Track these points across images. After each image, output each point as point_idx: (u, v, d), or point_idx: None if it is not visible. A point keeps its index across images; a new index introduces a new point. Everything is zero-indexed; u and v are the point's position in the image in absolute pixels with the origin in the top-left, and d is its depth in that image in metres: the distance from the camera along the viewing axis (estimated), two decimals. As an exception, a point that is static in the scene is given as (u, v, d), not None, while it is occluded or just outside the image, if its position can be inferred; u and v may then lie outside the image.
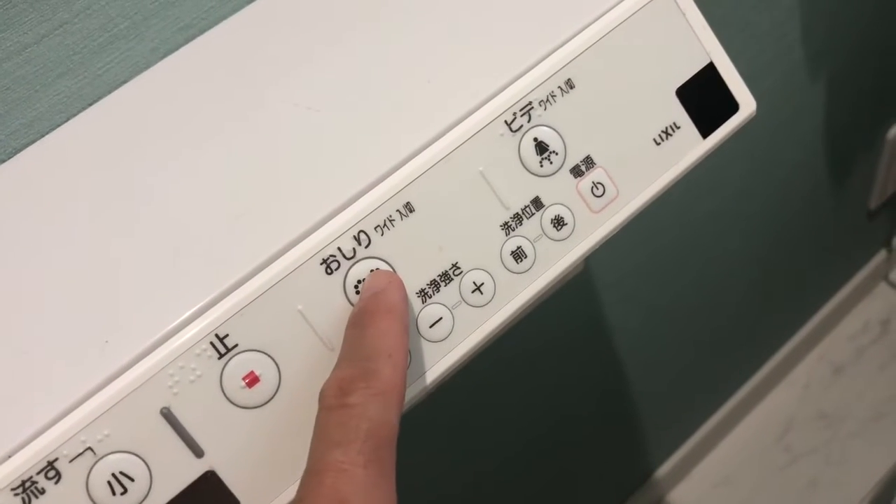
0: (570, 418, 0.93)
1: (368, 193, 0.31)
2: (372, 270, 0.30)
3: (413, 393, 0.31)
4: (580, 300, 0.80)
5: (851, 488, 1.21)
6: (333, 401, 0.26)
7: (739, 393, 1.23)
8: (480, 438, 0.81)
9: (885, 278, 1.38)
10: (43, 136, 0.34)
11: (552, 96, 0.33)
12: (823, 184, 1.06)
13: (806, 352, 1.32)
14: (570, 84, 0.33)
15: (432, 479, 0.78)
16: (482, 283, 0.32)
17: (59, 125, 0.34)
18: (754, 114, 0.37)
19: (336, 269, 0.30)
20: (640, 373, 0.98)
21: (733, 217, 0.93)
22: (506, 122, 0.32)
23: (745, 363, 1.23)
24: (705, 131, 0.35)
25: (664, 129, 0.35)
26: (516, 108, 0.32)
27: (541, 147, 0.33)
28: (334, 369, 0.27)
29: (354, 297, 0.30)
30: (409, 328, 0.30)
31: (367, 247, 0.30)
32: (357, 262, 0.30)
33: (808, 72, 0.85)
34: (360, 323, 0.28)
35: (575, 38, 0.33)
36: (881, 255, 1.34)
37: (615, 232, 0.35)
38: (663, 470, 1.19)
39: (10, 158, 0.34)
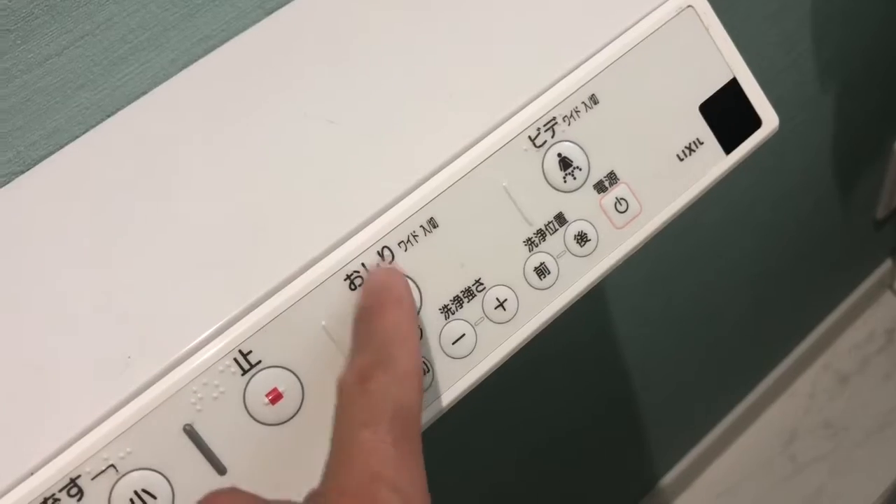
0: (573, 429, 0.93)
1: (392, 209, 0.30)
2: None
3: (436, 410, 0.31)
4: (585, 310, 0.79)
5: (856, 499, 1.21)
6: (355, 387, 0.25)
7: (744, 402, 1.23)
8: (481, 451, 0.81)
9: (891, 287, 1.38)
10: (62, 147, 0.34)
11: (576, 112, 0.33)
12: (831, 194, 1.06)
13: (811, 361, 1.32)
14: (594, 99, 0.33)
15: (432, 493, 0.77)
16: (505, 300, 0.32)
17: (78, 136, 0.34)
18: (777, 129, 0.36)
19: (360, 284, 0.30)
20: (644, 382, 0.97)
21: (740, 225, 0.93)
22: (530, 137, 0.32)
23: (749, 372, 1.23)
24: (728, 147, 0.35)
25: (687, 145, 0.34)
26: (540, 124, 0.32)
27: (564, 162, 0.33)
28: (350, 360, 0.27)
29: None
30: (416, 318, 0.29)
31: (390, 263, 0.30)
32: (380, 278, 0.30)
33: (817, 83, 0.85)
34: (369, 317, 0.28)
35: (599, 54, 0.33)
36: (887, 264, 1.33)
37: (638, 248, 0.34)
38: (667, 479, 1.18)
39: (29, 169, 0.33)
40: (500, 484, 0.88)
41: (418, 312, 0.31)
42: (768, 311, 1.14)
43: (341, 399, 0.26)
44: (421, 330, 0.31)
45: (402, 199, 0.31)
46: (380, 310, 0.28)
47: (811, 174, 0.99)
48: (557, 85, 0.33)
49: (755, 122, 0.36)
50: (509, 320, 0.32)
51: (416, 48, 0.34)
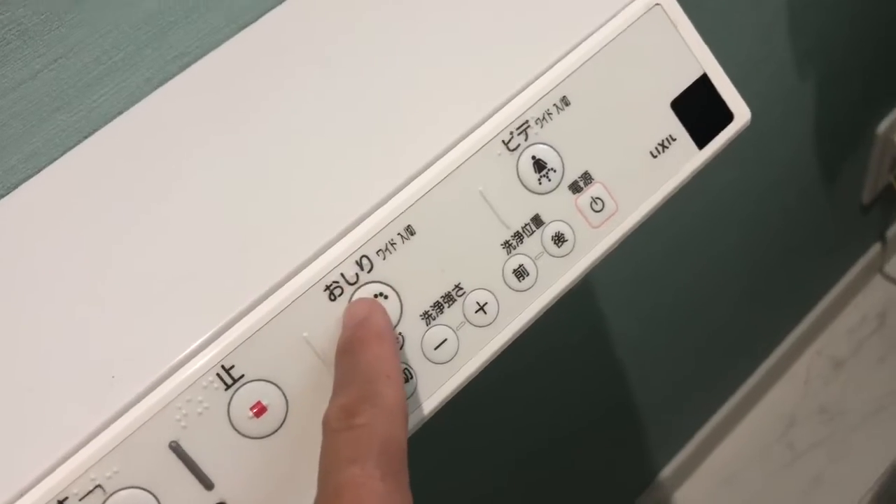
0: (569, 426, 0.93)
1: (369, 218, 0.31)
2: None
3: (421, 416, 0.31)
4: (576, 309, 0.79)
5: (856, 482, 1.21)
6: (340, 423, 0.26)
7: (740, 391, 1.23)
8: (479, 451, 0.81)
9: (881, 271, 1.38)
10: (40, 170, 0.34)
11: (548, 114, 0.33)
12: (816, 180, 1.06)
13: (805, 347, 1.32)
14: (565, 101, 0.33)
15: (430, 497, 0.78)
16: (486, 303, 0.32)
17: (56, 159, 0.34)
18: (749, 123, 0.37)
19: (339, 295, 0.30)
20: (640, 377, 0.98)
21: (727, 217, 0.93)
22: (503, 141, 0.32)
23: (744, 361, 1.24)
24: (701, 142, 0.35)
25: (660, 142, 0.35)
26: (513, 128, 0.32)
27: (539, 165, 0.33)
28: (333, 397, 0.27)
29: None
30: (398, 350, 0.30)
31: (369, 271, 0.30)
32: (360, 286, 0.30)
33: (796, 72, 0.85)
34: (351, 350, 0.28)
35: (569, 56, 0.34)
36: (876, 248, 1.34)
37: (616, 246, 0.35)
38: (667, 471, 1.19)
39: (8, 194, 0.34)
40: (498, 484, 0.88)
41: (399, 321, 0.31)
42: (760, 300, 1.15)
43: (327, 435, 0.26)
44: (403, 337, 0.31)
45: (378, 208, 0.31)
46: (361, 344, 0.28)
47: (795, 163, 0.99)
48: (529, 88, 0.33)
49: (727, 117, 0.36)
50: (490, 323, 0.32)
51: (388, 58, 0.34)
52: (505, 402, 0.79)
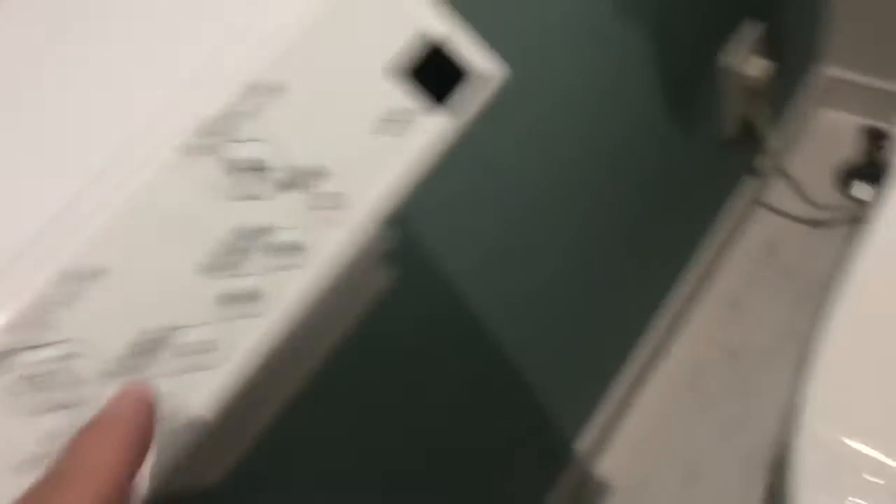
0: (472, 425, 0.90)
1: (37, 264, 0.25)
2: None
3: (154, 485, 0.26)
4: (443, 311, 0.75)
5: (771, 418, 1.21)
6: None
7: (642, 350, 1.22)
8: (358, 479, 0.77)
9: (759, 202, 1.38)
10: None
11: (257, 107, 0.28)
12: (675, 126, 1.05)
13: (699, 293, 1.32)
14: (275, 89, 0.29)
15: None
16: (207, 340, 0.27)
17: None
18: (499, 79, 0.33)
19: (10, 367, 0.24)
20: (532, 358, 0.95)
21: (587, 180, 0.91)
22: (200, 147, 0.27)
23: (640, 319, 1.22)
24: (440, 109, 0.31)
25: (392, 118, 0.30)
26: (213, 129, 0.27)
27: (251, 167, 0.28)
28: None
29: (20, 405, 0.25)
30: (133, 439, 0.24)
31: (50, 331, 0.25)
32: (35, 349, 0.25)
33: (630, 23, 0.83)
34: (69, 441, 0.24)
35: (277, 39, 0.29)
36: (748, 181, 1.34)
37: (366, 240, 0.30)
38: (583, 446, 1.16)
39: None
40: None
41: (88, 383, 0.25)
42: (644, 256, 1.13)
43: None
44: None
45: (48, 251, 0.25)
46: (80, 433, 0.24)
47: (646, 112, 0.98)
48: (230, 80, 0.28)
49: (467, 77, 0.32)
50: (219, 363, 0.27)
51: (57, 63, 0.29)
52: (378, 418, 0.74)
